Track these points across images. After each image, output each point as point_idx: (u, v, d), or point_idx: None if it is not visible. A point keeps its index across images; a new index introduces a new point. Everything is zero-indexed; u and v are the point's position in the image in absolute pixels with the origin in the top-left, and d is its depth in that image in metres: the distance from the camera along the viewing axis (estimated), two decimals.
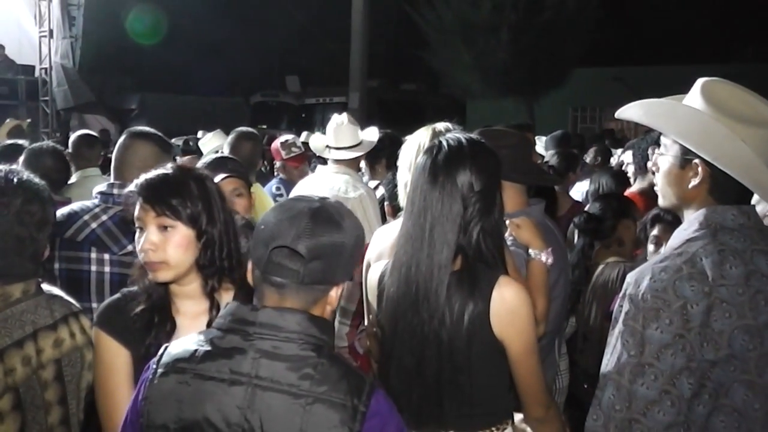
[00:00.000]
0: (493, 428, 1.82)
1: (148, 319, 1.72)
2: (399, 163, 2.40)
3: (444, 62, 17.30)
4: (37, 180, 1.84)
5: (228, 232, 1.75)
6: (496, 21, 16.19)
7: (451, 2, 16.84)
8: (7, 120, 7.00)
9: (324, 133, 4.08)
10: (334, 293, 1.44)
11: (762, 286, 1.52)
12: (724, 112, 1.57)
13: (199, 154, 5.48)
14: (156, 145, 2.49)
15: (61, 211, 2.35)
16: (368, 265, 2.31)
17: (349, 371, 1.38)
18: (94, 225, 2.34)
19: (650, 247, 3.07)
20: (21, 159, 3.62)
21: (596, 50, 17.09)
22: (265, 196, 4.00)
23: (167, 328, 1.72)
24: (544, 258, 2.10)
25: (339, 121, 3.96)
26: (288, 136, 5.00)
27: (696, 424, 1.53)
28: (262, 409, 1.33)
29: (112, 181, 2.46)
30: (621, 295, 1.62)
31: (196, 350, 1.40)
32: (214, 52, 19.34)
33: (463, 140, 1.84)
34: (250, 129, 4.36)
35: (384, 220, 3.37)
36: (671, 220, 2.86)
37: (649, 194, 3.43)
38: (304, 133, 7.53)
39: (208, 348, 1.39)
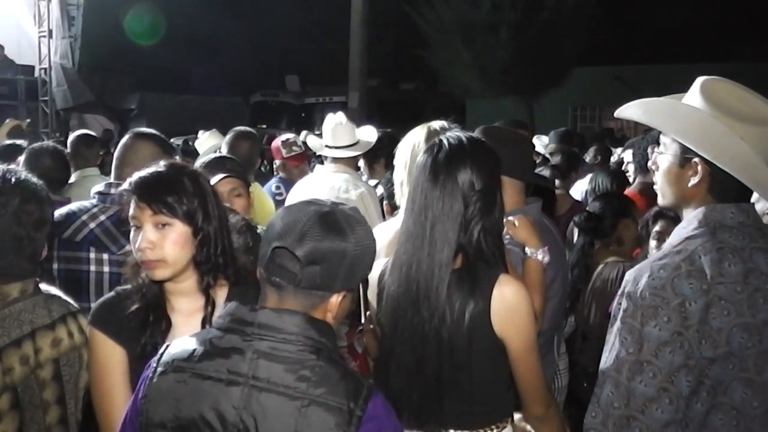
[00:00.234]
0: (494, 426, 1.82)
1: (143, 318, 1.71)
2: (395, 161, 2.40)
3: (443, 61, 17.25)
4: (34, 180, 1.84)
5: (222, 228, 1.75)
6: (495, 20, 16.15)
7: (450, 2, 16.79)
8: (7, 120, 6.99)
9: (321, 134, 4.08)
10: (335, 300, 1.41)
11: (761, 284, 1.52)
12: (723, 111, 1.57)
13: (197, 154, 5.47)
14: (157, 146, 2.49)
15: (60, 212, 2.35)
16: None
17: (347, 374, 1.36)
18: (92, 225, 2.34)
19: (652, 243, 3.06)
20: (21, 159, 3.62)
21: (596, 49, 17.06)
22: (264, 195, 3.98)
23: (162, 326, 1.72)
24: (540, 256, 2.10)
25: (336, 120, 3.96)
26: (288, 135, 5.00)
27: (694, 422, 1.53)
28: (258, 409, 1.32)
29: (111, 180, 2.46)
30: (620, 292, 1.62)
31: (195, 349, 1.40)
32: (213, 51, 19.30)
33: (464, 139, 1.84)
34: (248, 128, 4.36)
35: (384, 219, 3.38)
36: (674, 216, 2.85)
37: (648, 193, 3.43)
38: (304, 133, 7.51)
39: (207, 347, 1.39)
